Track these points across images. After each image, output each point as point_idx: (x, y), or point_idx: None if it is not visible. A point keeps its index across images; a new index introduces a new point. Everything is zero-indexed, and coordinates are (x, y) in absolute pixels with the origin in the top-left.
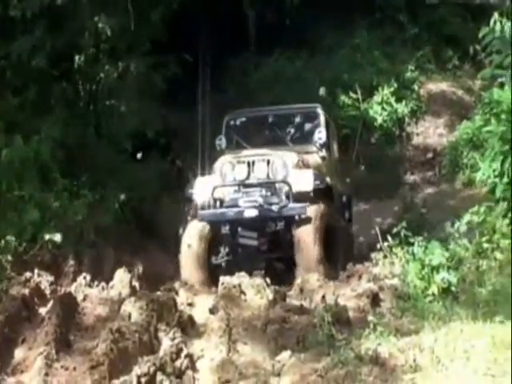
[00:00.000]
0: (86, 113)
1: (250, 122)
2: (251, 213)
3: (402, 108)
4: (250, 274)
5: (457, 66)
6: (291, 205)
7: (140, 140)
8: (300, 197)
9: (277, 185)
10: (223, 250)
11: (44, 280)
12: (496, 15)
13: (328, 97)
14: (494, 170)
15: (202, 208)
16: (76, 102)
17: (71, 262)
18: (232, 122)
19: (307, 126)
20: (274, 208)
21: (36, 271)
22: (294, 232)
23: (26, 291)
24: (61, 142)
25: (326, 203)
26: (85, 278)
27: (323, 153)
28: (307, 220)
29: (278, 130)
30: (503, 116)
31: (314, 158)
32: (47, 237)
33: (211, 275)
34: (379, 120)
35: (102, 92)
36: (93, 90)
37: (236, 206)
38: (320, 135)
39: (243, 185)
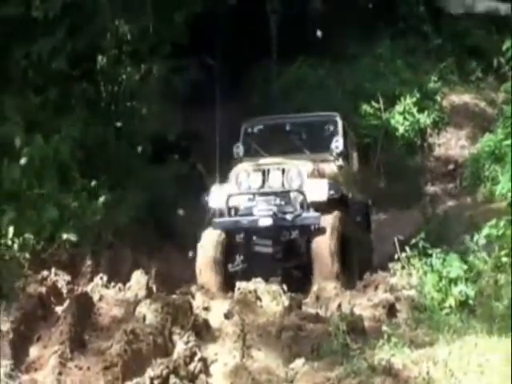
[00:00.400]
0: (107, 113)
1: (268, 130)
2: (266, 222)
3: (424, 118)
4: (266, 281)
5: (480, 78)
6: (305, 214)
7: (160, 142)
8: (315, 206)
9: (291, 194)
10: (238, 258)
11: (61, 279)
12: None
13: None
14: None
15: (217, 216)
16: (97, 102)
17: (88, 262)
18: (250, 130)
19: (325, 135)
20: (288, 217)
21: (53, 270)
22: (310, 242)
23: (43, 290)
24: (80, 142)
25: (342, 213)
26: (101, 278)
27: (340, 162)
28: (322, 230)
29: (296, 137)
30: None
31: (331, 167)
32: (65, 236)
33: (227, 282)
34: (401, 130)
35: (123, 93)
36: (114, 91)
37: (251, 214)
38: (337, 144)
39: (258, 193)
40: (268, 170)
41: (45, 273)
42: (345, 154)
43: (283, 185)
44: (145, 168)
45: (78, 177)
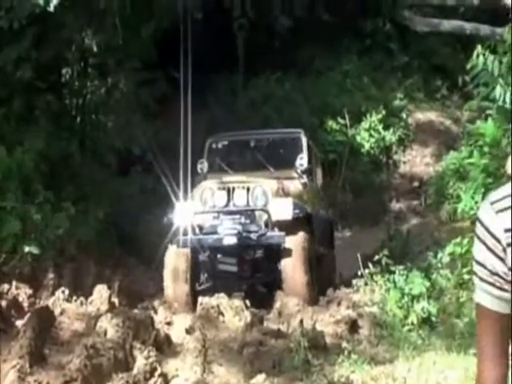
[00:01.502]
0: (72, 126)
1: (232, 146)
2: (230, 240)
3: (390, 136)
4: (230, 296)
5: (445, 96)
6: (270, 233)
7: (125, 155)
8: (279, 225)
9: (256, 213)
10: (203, 276)
11: (22, 292)
12: (479, 48)
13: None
14: (476, 202)
15: (182, 234)
16: (62, 114)
17: (51, 275)
18: (214, 146)
19: (289, 152)
20: (253, 236)
21: (14, 283)
22: (276, 261)
23: (3, 303)
24: (44, 155)
25: (306, 232)
26: (63, 292)
27: (304, 179)
28: (289, 251)
29: (260, 154)
30: (486, 149)
31: (295, 185)
32: (27, 249)
33: (195, 300)
34: (366, 146)
35: (88, 106)
36: (79, 103)
37: (215, 232)
38: (302, 161)
39: (223, 212)
40: (233, 189)
41: (5, 286)
42: (309, 171)
43: (248, 203)
44: (109, 181)
45: (42, 189)
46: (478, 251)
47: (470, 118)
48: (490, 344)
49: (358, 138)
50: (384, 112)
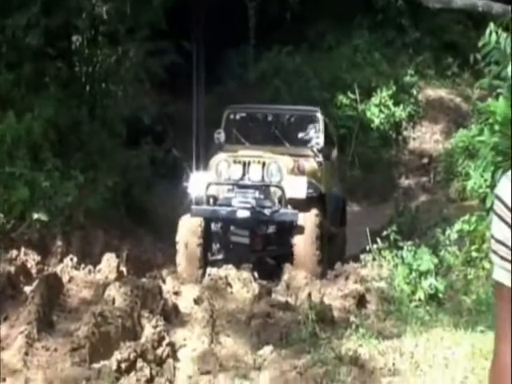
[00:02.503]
0: (81, 94)
1: (250, 118)
2: (243, 213)
3: (400, 112)
4: (238, 267)
5: (456, 74)
6: (283, 210)
7: (135, 125)
8: (293, 203)
9: (270, 188)
10: (215, 246)
11: (30, 259)
12: (492, 26)
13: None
14: (485, 180)
15: (196, 203)
16: (71, 82)
17: (59, 243)
18: (232, 116)
19: (306, 130)
20: (266, 212)
21: (23, 250)
22: (288, 238)
23: (12, 269)
24: (54, 122)
25: (319, 211)
26: (72, 259)
27: (320, 158)
28: (302, 229)
29: (277, 129)
30: (496, 127)
31: (310, 163)
32: (36, 216)
33: (206, 268)
34: (376, 122)
35: (98, 75)
36: (89, 72)
37: (229, 205)
38: (318, 140)
39: (237, 185)
40: (249, 163)
41: (14, 252)
42: (325, 150)
43: (263, 179)
44: (118, 151)
45: (51, 156)
46: (498, 229)
47: (481, 96)
48: (509, 325)
49: (368, 114)
50: (394, 88)
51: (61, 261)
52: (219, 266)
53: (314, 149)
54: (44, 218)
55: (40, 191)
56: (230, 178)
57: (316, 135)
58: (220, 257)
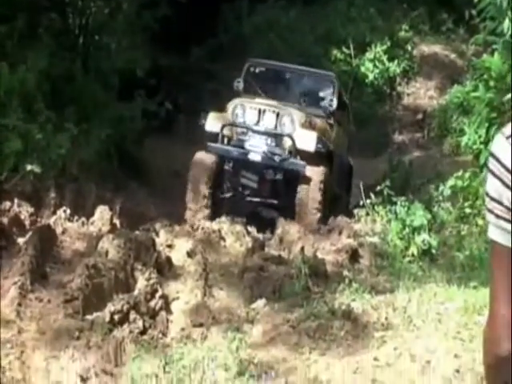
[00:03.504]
0: (75, 46)
1: (269, 73)
2: (254, 157)
3: (394, 67)
4: (245, 215)
5: (451, 29)
6: (292, 160)
7: (128, 78)
8: (302, 155)
9: (283, 137)
10: (225, 185)
11: (24, 210)
12: None
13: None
14: (479, 137)
15: (210, 141)
16: (65, 34)
17: (52, 195)
18: (252, 69)
19: (321, 92)
20: (276, 158)
21: (16, 201)
22: (294, 188)
23: (5, 220)
24: (47, 74)
25: (326, 167)
26: (65, 211)
27: (331, 120)
28: (308, 180)
29: (294, 87)
30: (491, 83)
31: (322, 123)
32: (29, 167)
33: (213, 206)
34: (370, 77)
35: (92, 27)
36: (83, 23)
37: (242, 147)
38: (331, 103)
39: (252, 129)
40: (264, 110)
41: (7, 204)
42: (336, 115)
43: (276, 127)
44: (112, 103)
45: (44, 108)
46: (493, 187)
47: (476, 51)
48: (505, 283)
49: (363, 69)
50: (389, 43)
51: (54, 213)
52: (228, 204)
53: (327, 111)
54: (37, 169)
55: (33, 143)
56: (245, 122)
57: (330, 98)
58: (227, 195)
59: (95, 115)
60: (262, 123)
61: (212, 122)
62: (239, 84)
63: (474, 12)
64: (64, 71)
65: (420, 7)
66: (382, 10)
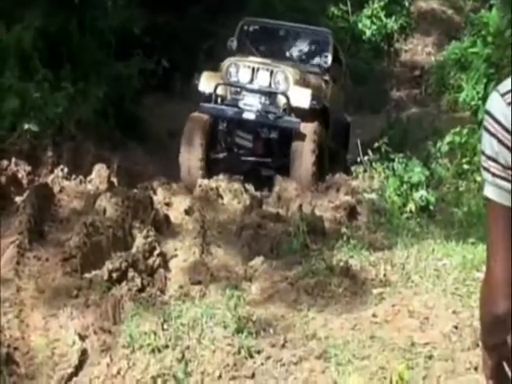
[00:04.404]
0: (71, 4)
1: (263, 32)
2: (249, 115)
3: (392, 23)
4: (242, 173)
5: None
6: (286, 117)
7: (125, 36)
8: (296, 112)
9: (277, 95)
10: (220, 146)
11: (21, 169)
12: None
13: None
14: (477, 93)
15: (204, 101)
16: None
17: (50, 154)
18: (245, 28)
19: (316, 49)
20: (271, 116)
21: (13, 160)
22: (289, 144)
23: (3, 179)
24: (43, 32)
25: (320, 123)
26: (62, 170)
27: (326, 77)
28: (302, 136)
29: (288, 45)
30: (489, 39)
31: (317, 80)
32: (26, 126)
33: (208, 166)
34: (368, 34)
35: None
36: None
37: (236, 106)
38: (326, 60)
39: (245, 88)
40: (257, 69)
41: (4, 162)
42: (332, 71)
43: (270, 85)
44: (109, 62)
45: (40, 67)
46: (489, 146)
47: (473, 7)
48: (502, 241)
49: (360, 25)
50: None
51: (51, 171)
52: (223, 164)
53: (322, 67)
54: (35, 128)
55: (30, 102)
56: (239, 81)
57: (325, 55)
58: (221, 155)
59: (92, 74)
60: (256, 81)
61: (205, 82)
62: (233, 43)
63: None
64: (60, 30)
65: None
66: None
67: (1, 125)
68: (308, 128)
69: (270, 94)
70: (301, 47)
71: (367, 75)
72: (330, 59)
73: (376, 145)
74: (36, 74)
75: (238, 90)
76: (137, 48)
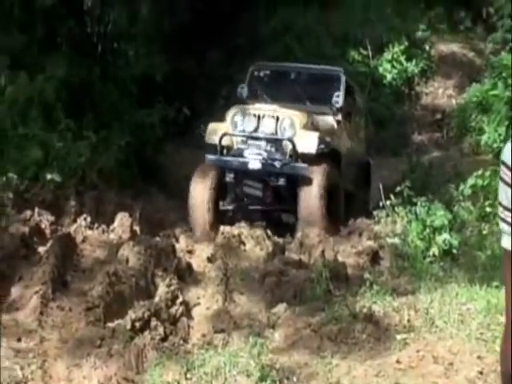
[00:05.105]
0: (93, 54)
1: (274, 76)
2: (254, 165)
3: (412, 67)
4: (253, 222)
5: (469, 28)
6: (293, 164)
7: (147, 84)
8: (304, 157)
9: (283, 142)
10: (229, 197)
11: (44, 219)
12: None
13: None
14: (499, 135)
15: (211, 152)
16: (83, 42)
17: (72, 203)
18: (256, 73)
19: (327, 88)
20: (277, 164)
21: (37, 210)
22: (298, 190)
23: (26, 229)
24: (66, 82)
25: (329, 166)
26: (85, 219)
27: (339, 117)
28: (309, 181)
29: (299, 87)
30: (510, 81)
31: (328, 121)
32: (49, 176)
33: (217, 219)
34: (388, 78)
35: (110, 34)
36: (101, 31)
37: (241, 156)
38: (337, 99)
39: (251, 137)
40: (263, 116)
41: (28, 213)
42: (345, 110)
43: (276, 132)
44: (130, 110)
45: (63, 117)
46: (505, 196)
47: (494, 50)
48: None
49: (381, 69)
50: (407, 43)
51: (74, 221)
52: (232, 221)
53: (334, 107)
54: (57, 178)
55: (53, 152)
56: (244, 129)
57: (336, 94)
58: (230, 206)
59: (114, 122)
60: (261, 129)
61: (211, 134)
62: (243, 90)
63: (491, 10)
64: (83, 79)
65: (437, 6)
66: (399, 10)
67: (24, 175)
68: (315, 172)
69: (276, 141)
70: (312, 88)
71: (388, 119)
72: (341, 98)
73: (398, 189)
74: (59, 123)
75: (244, 139)
76: (158, 95)
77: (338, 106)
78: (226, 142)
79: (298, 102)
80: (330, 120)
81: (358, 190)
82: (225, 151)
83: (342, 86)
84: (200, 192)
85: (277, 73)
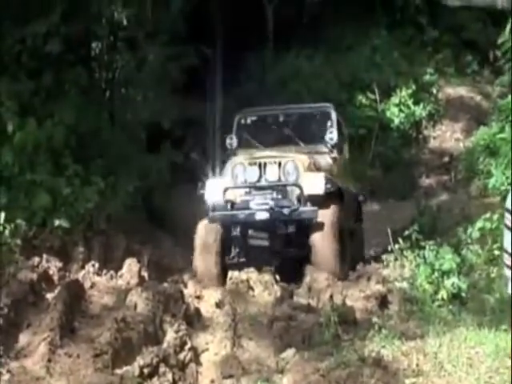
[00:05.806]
0: (101, 100)
1: (261, 121)
2: (262, 215)
3: (420, 111)
4: (260, 270)
5: (476, 71)
6: (302, 208)
7: (155, 130)
8: (311, 200)
9: (288, 188)
10: (234, 250)
11: (52, 266)
12: (511, 23)
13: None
14: (507, 178)
15: (213, 209)
16: (91, 88)
17: (81, 249)
18: (243, 121)
19: (319, 126)
20: (285, 211)
21: (45, 256)
22: (308, 236)
23: (34, 276)
24: (74, 128)
25: (338, 206)
26: (93, 265)
27: (334, 153)
28: (321, 225)
29: (290, 129)
30: None
31: (325, 160)
32: (57, 222)
33: (224, 274)
34: (396, 121)
35: (118, 80)
36: (109, 77)
37: (247, 208)
38: (331, 136)
39: (254, 187)
40: (265, 164)
41: (36, 259)
42: (339, 146)
43: (280, 178)
44: (138, 156)
45: (71, 163)
46: (510, 242)
47: (501, 93)
48: None
49: (388, 113)
50: (414, 87)
51: (82, 267)
52: (240, 268)
53: (328, 145)
54: (65, 224)
55: (61, 198)
56: (247, 180)
57: (329, 131)
58: (236, 260)
59: (122, 168)
60: (265, 177)
61: (211, 191)
62: (232, 141)
63: (498, 53)
64: (91, 125)
65: (444, 50)
66: (406, 54)
67: (32, 221)
68: (326, 216)
69: (281, 187)
70: (303, 128)
71: (396, 163)
72: (335, 135)
73: (406, 232)
74: (66, 169)
75: (247, 190)
76: (166, 140)
77: (332, 142)
78: (228, 196)
79: (291, 144)
80: (327, 158)
81: (356, 226)
82: (229, 205)
83: (334, 122)
84: (205, 250)
85: (264, 117)
